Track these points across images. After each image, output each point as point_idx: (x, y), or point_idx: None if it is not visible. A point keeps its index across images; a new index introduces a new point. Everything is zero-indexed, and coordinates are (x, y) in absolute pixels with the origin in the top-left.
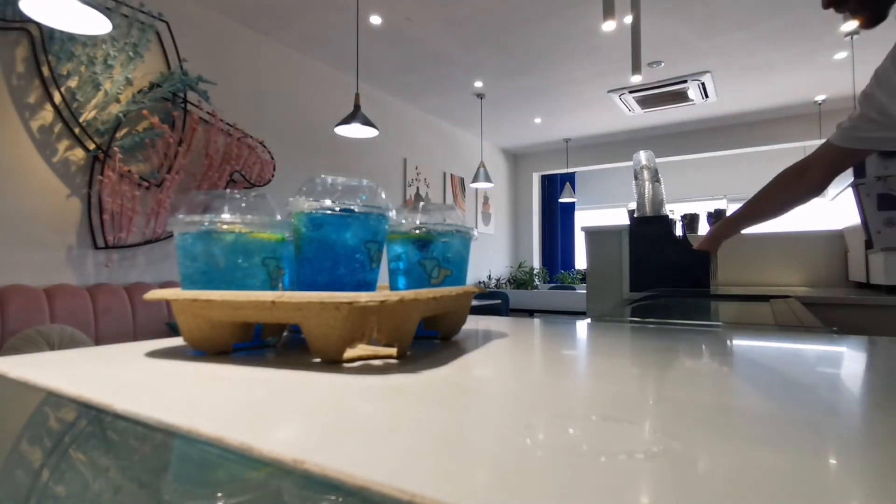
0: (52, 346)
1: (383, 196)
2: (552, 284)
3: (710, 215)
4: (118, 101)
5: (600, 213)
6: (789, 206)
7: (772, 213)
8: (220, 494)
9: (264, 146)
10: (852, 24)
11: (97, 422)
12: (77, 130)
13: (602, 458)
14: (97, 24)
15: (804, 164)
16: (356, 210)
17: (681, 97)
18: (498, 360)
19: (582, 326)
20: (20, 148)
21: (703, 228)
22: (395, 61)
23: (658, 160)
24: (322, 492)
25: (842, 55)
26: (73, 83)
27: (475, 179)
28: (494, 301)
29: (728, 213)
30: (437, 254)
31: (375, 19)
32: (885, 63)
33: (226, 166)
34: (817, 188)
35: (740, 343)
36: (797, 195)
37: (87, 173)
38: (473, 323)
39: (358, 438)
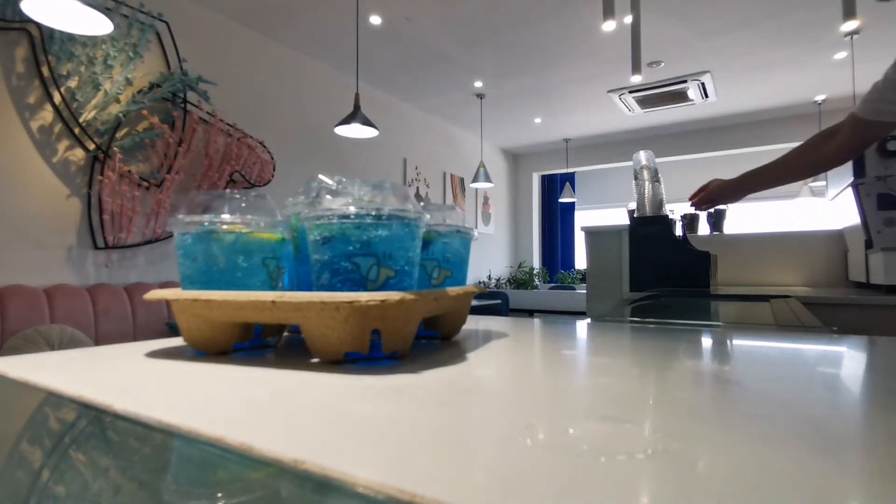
0: (52, 346)
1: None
2: (552, 284)
3: (709, 215)
4: (118, 101)
5: (600, 213)
6: (818, 166)
7: (798, 174)
8: (220, 494)
9: (264, 146)
10: (852, 24)
11: (97, 422)
12: (77, 130)
13: (602, 458)
14: (97, 25)
15: (833, 130)
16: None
17: (681, 97)
18: (498, 360)
19: (582, 326)
20: (20, 148)
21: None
22: (395, 61)
23: (658, 160)
24: (322, 492)
25: (842, 55)
26: (72, 83)
27: (475, 179)
28: (494, 301)
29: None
30: (437, 254)
31: (375, 19)
32: None
33: (226, 166)
34: (846, 154)
35: (740, 343)
36: (823, 160)
37: (87, 173)
38: (473, 323)
39: (358, 438)
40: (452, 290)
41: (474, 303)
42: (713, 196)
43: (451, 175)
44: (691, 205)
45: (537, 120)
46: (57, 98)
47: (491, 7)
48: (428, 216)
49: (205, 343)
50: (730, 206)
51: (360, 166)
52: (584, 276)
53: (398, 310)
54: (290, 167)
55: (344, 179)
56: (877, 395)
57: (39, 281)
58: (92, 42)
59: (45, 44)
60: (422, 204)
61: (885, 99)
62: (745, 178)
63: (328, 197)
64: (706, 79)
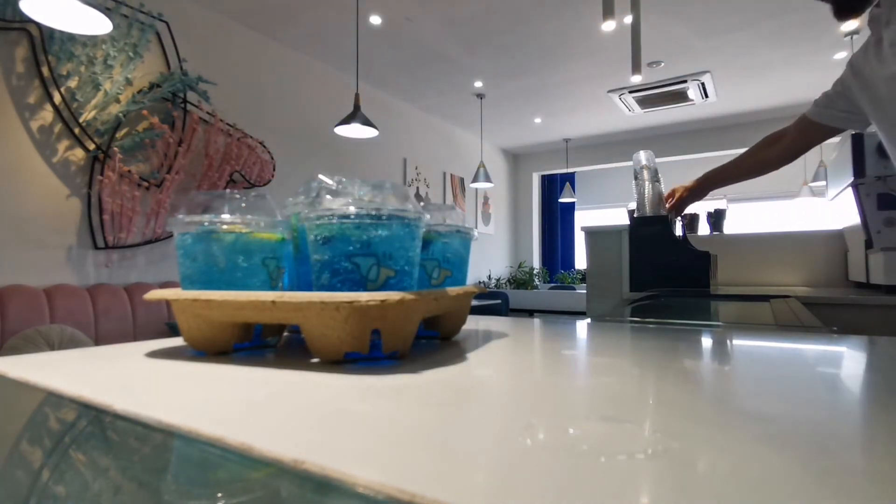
0: (52, 346)
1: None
2: (552, 284)
3: (709, 215)
4: (118, 101)
5: (600, 213)
6: (763, 168)
7: (748, 173)
8: (220, 494)
9: (264, 146)
10: (852, 24)
11: (97, 422)
12: (77, 130)
13: (602, 458)
14: (97, 25)
15: (782, 133)
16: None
17: (681, 97)
18: (498, 360)
19: (582, 326)
20: (20, 148)
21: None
22: (395, 61)
23: (658, 160)
24: (322, 492)
25: (841, 55)
26: (72, 83)
27: (475, 179)
28: (494, 301)
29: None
30: (437, 254)
31: (375, 19)
32: (859, 53)
33: (226, 166)
34: (789, 156)
35: (740, 343)
36: (771, 159)
37: (87, 173)
38: (473, 323)
39: (358, 438)
40: (452, 290)
41: (474, 303)
42: (684, 201)
43: (451, 175)
44: (668, 213)
45: (537, 120)
46: (57, 98)
47: (491, 7)
48: (428, 216)
49: (205, 343)
50: (696, 204)
51: (360, 166)
52: (584, 276)
53: (398, 310)
54: (290, 167)
55: (344, 179)
56: (877, 395)
57: (39, 281)
58: (92, 42)
59: (45, 44)
60: (422, 204)
61: (835, 107)
62: (704, 179)
63: (328, 197)
64: (706, 79)
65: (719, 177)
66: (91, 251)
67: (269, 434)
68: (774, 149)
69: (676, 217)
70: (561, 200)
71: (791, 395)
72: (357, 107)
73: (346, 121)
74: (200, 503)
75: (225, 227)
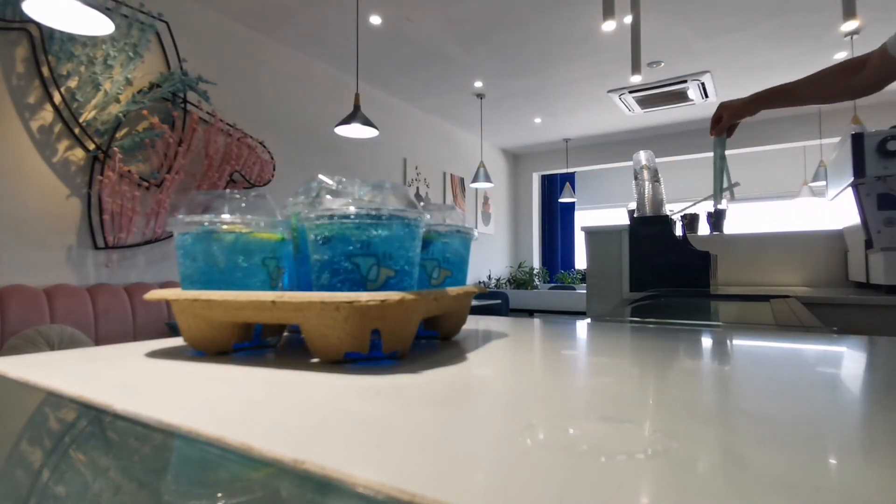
0: (52, 346)
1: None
2: (552, 284)
3: (709, 215)
4: (118, 101)
5: (600, 213)
6: (840, 96)
7: (818, 99)
8: (220, 494)
9: (264, 146)
10: (852, 24)
11: (97, 422)
12: (77, 130)
13: (602, 458)
14: (98, 25)
15: (863, 61)
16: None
17: (681, 97)
18: (498, 360)
19: (582, 326)
20: (20, 148)
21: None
22: (395, 61)
23: (658, 160)
24: (322, 492)
25: (842, 55)
26: (72, 83)
27: (475, 179)
28: (494, 301)
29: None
30: (437, 254)
31: (375, 19)
32: None
33: (226, 166)
34: (870, 88)
35: (740, 343)
36: (851, 89)
37: (87, 173)
38: (473, 323)
39: (358, 438)
40: (452, 290)
41: (474, 303)
42: (732, 121)
43: (451, 175)
44: (714, 134)
45: (537, 120)
46: (57, 98)
47: (491, 7)
48: (428, 216)
49: (205, 343)
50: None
51: (360, 166)
52: (584, 276)
53: (398, 310)
54: (290, 167)
55: (344, 179)
56: (877, 394)
57: (39, 281)
58: (92, 42)
59: (45, 44)
60: (422, 204)
61: None
62: (764, 94)
63: (328, 197)
64: (706, 79)
65: (782, 96)
66: (91, 251)
67: (269, 434)
68: (855, 79)
69: (728, 137)
70: (561, 200)
71: (791, 395)
72: (357, 107)
73: (346, 121)
74: (200, 503)
75: (225, 227)
